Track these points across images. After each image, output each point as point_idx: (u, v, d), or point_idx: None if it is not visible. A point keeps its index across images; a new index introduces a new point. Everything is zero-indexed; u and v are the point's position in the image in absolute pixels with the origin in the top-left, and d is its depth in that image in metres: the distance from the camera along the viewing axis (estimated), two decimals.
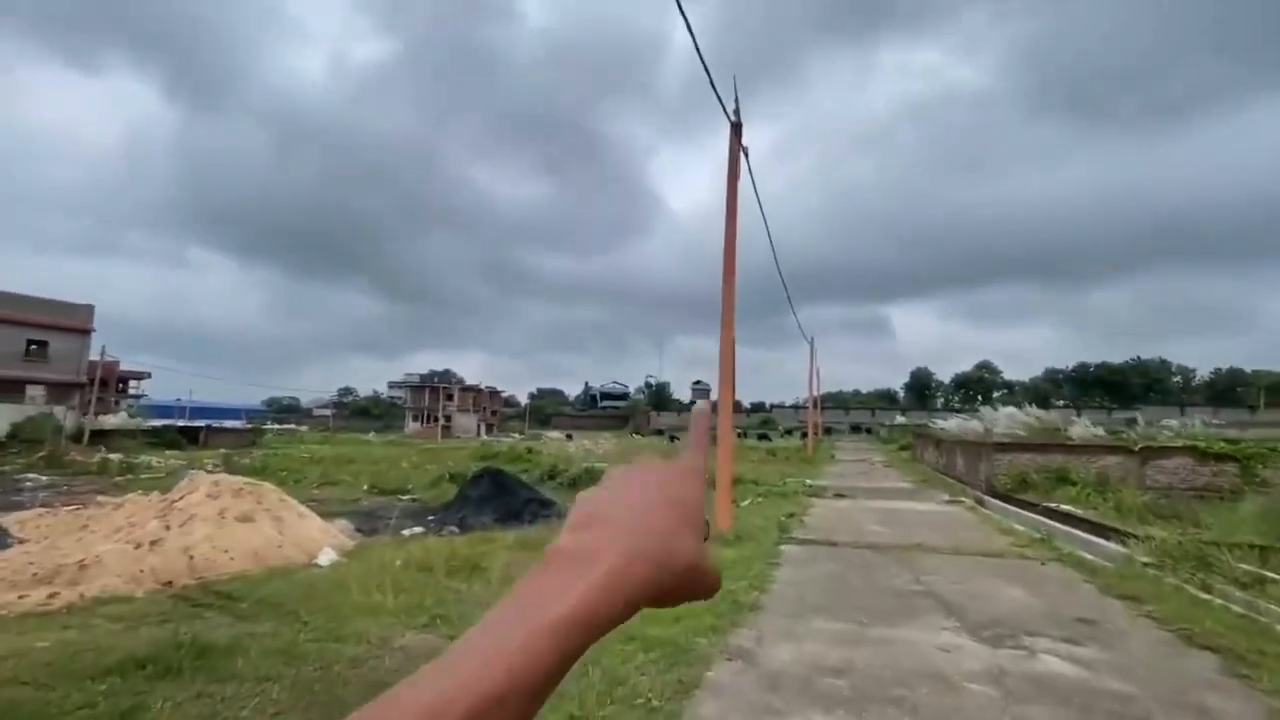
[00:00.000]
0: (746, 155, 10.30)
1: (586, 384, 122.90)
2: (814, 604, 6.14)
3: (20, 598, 6.04)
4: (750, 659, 4.65)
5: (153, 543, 7.31)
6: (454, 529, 10.28)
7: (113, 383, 52.52)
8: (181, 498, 8.23)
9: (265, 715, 3.58)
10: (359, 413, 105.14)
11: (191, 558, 7.21)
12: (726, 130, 10.06)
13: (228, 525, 7.86)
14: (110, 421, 37.71)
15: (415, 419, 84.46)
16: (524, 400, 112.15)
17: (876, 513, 12.27)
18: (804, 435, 43.13)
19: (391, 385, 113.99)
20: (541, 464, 21.06)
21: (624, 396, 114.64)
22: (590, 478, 17.22)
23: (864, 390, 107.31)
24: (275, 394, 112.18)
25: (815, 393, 41.36)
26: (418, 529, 10.73)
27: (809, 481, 17.32)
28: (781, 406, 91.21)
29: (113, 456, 21.87)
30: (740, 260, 9.80)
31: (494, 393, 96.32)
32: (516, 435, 68.92)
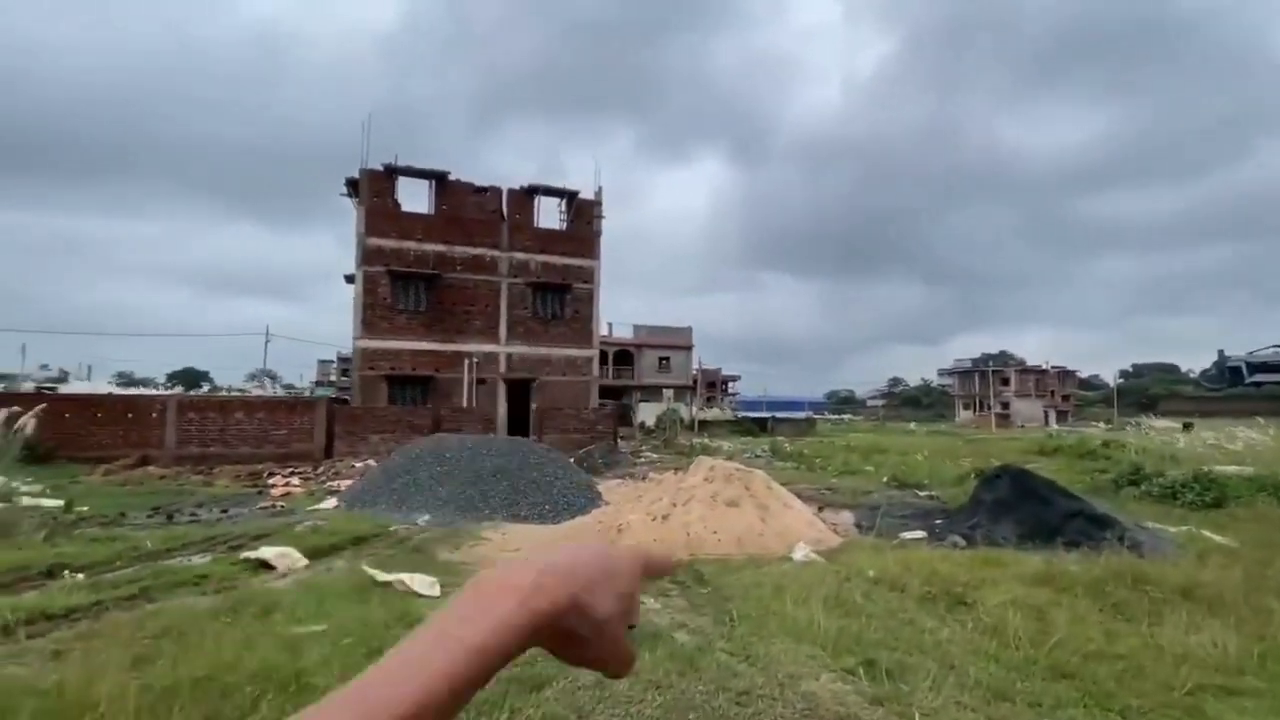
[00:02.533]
0: None
1: (1221, 353, 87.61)
2: None
3: None
4: None
5: (664, 516, 8.47)
6: (959, 540, 8.33)
7: (718, 384, 69.29)
8: (688, 480, 9.35)
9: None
10: (908, 402, 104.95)
11: (688, 534, 7.99)
12: None
13: (718, 508, 8.43)
14: (709, 414, 49.13)
15: (966, 407, 78.28)
16: (1112, 380, 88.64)
17: None
18: None
19: (941, 373, 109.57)
20: (1120, 464, 15.58)
21: None
22: (1199, 485, 11.54)
23: None
24: (834, 387, 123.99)
25: None
26: (919, 534, 9.22)
27: None
28: None
29: (697, 441, 27.98)
30: None
31: (1065, 373, 79.93)
32: (1101, 424, 54.68)
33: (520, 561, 0.42)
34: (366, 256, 21.84)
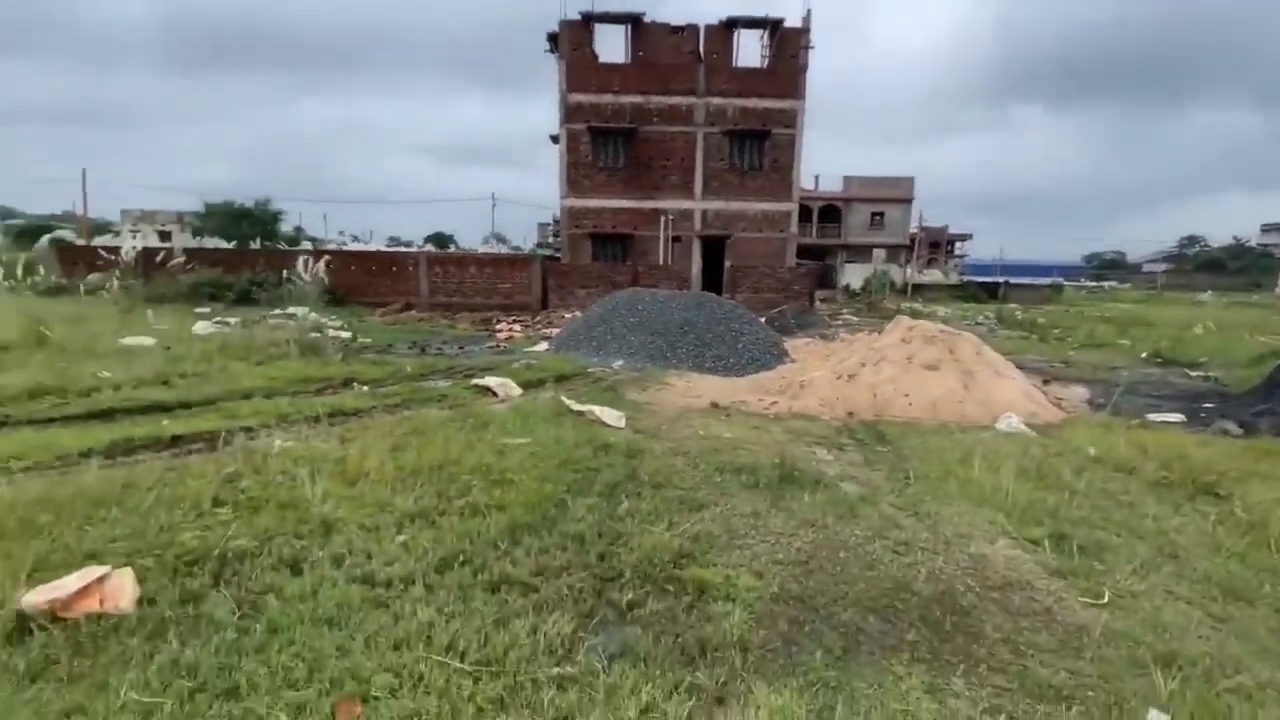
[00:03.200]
0: None
1: None
2: None
3: (758, 400, 7.98)
4: None
5: (850, 376, 8.14)
6: (1232, 427, 6.73)
7: (942, 244, 61.41)
8: (881, 340, 8.72)
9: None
10: (1207, 266, 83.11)
11: (875, 395, 7.63)
12: None
13: (913, 371, 7.83)
14: (926, 277, 44.23)
15: None
16: None
17: None
18: None
19: (1266, 228, 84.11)
20: None
21: None
22: None
23: None
24: (1098, 249, 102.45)
25: None
26: (1175, 417, 7.68)
27: None
28: None
29: (907, 305, 25.62)
30: None
31: None
32: None
33: None
34: (568, 114, 22.40)
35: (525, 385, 8.11)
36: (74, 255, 19.96)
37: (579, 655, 2.53)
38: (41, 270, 18.60)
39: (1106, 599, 3.05)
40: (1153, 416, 7.70)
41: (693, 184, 23.27)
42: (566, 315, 17.13)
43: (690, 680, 2.40)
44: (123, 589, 2.80)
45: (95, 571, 2.83)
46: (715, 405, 7.54)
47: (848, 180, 45.98)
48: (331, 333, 11.45)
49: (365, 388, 7.66)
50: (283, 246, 31.45)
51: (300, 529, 3.42)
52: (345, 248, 32.25)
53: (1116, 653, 2.63)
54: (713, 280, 22.57)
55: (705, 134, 23.06)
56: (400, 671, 2.34)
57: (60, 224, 42.31)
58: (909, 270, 41.08)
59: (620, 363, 10.03)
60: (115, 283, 16.59)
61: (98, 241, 25.10)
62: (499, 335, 14.07)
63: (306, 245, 25.32)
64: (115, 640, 2.47)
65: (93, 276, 17.27)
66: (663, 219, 22.95)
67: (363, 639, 2.53)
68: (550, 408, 6.54)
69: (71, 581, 2.74)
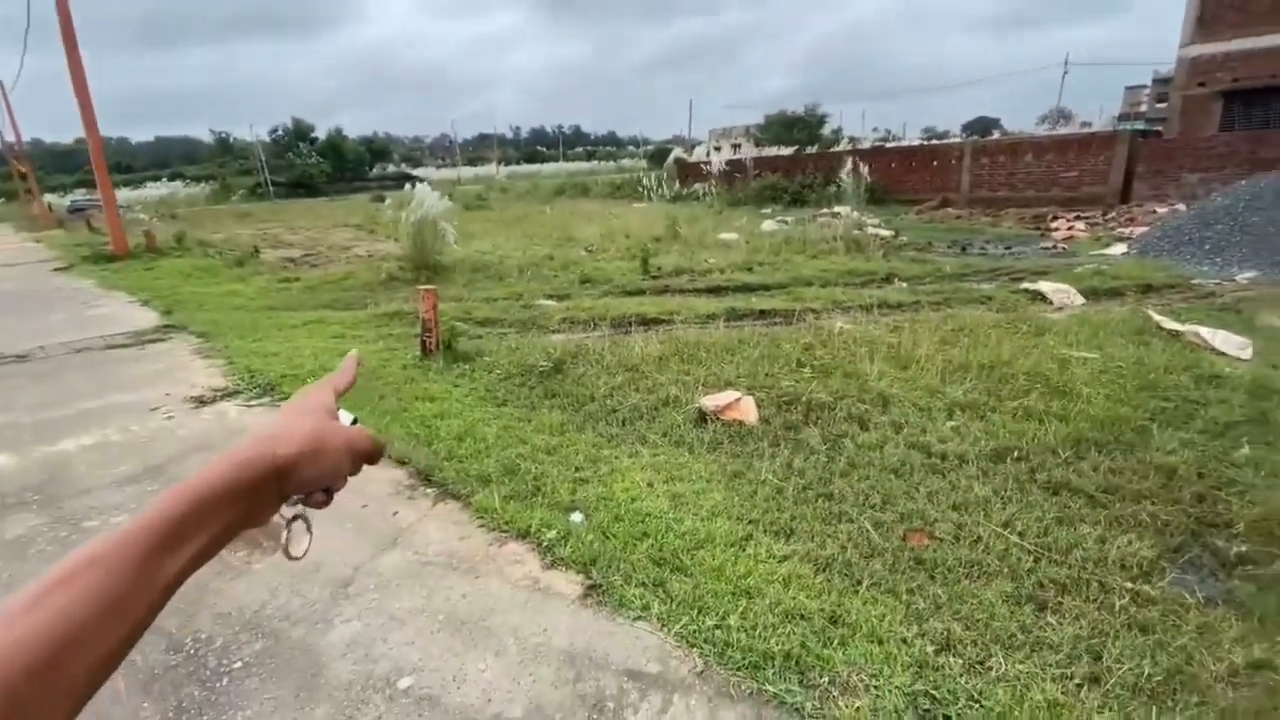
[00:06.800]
0: None
1: None
2: None
3: None
4: None
5: None
6: None
7: None
8: None
9: None
10: None
11: None
12: None
13: None
14: None
15: None
16: None
17: None
18: None
19: None
20: None
21: None
22: None
23: None
24: None
25: None
26: None
27: None
28: None
29: None
30: None
31: None
32: None
33: (263, 427, 0.50)
34: None
35: (1092, 294, 6.92)
36: (686, 170, 26.45)
37: (1161, 581, 2.34)
38: (667, 182, 25.45)
39: None
40: None
41: None
42: (1161, 210, 13.09)
43: None
44: (750, 409, 4.01)
45: (733, 394, 4.13)
46: None
47: None
48: (870, 230, 12.07)
49: (905, 284, 7.98)
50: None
51: (863, 395, 4.07)
52: (883, 144, 32.27)
53: None
54: None
55: None
56: (961, 526, 2.69)
57: (673, 145, 56.13)
58: None
59: (1253, 273, 7.31)
60: (709, 189, 21.42)
61: (695, 157, 32.41)
62: (1056, 234, 12.00)
63: (845, 145, 26.49)
64: (751, 440, 3.62)
65: (696, 185, 22.72)
66: None
67: (925, 493, 2.97)
68: (1129, 323, 5.48)
69: (723, 397, 4.08)
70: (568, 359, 4.95)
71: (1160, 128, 20.28)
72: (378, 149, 68.67)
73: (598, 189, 29.93)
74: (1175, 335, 5.16)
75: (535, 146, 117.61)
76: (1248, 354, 4.79)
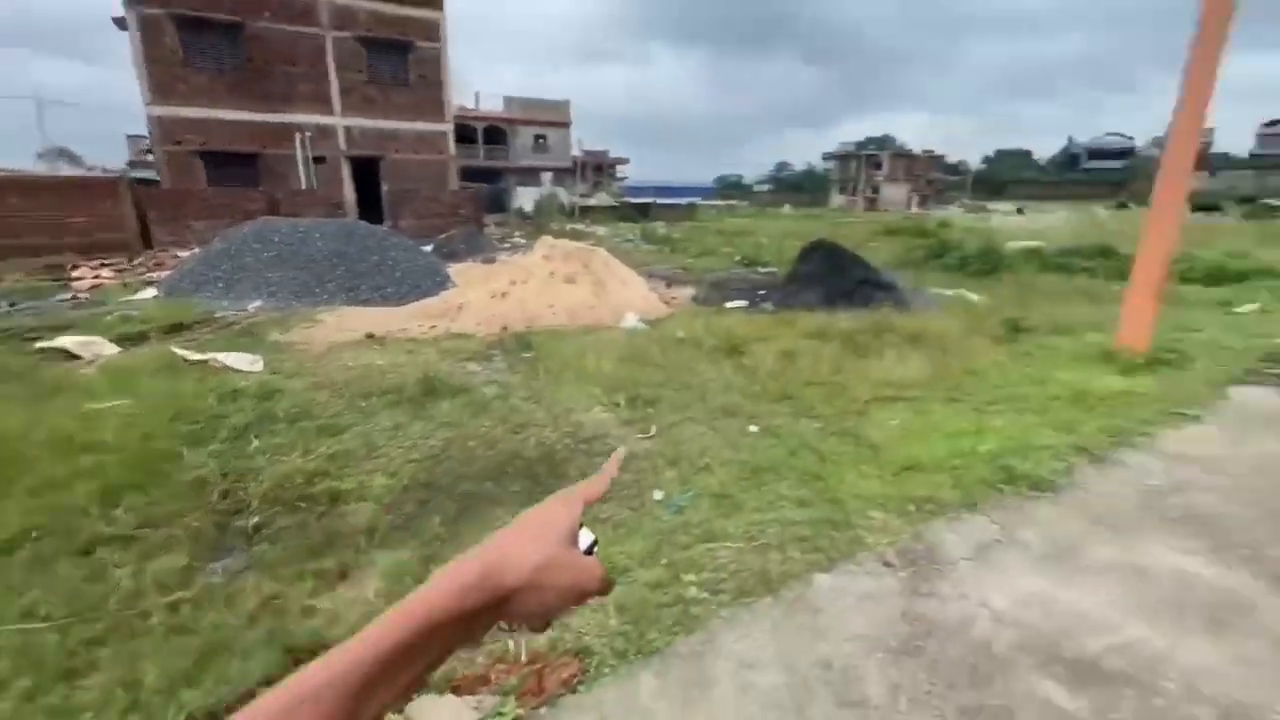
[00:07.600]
0: None
1: (1070, 139, 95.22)
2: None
3: (418, 326, 8.13)
4: None
5: (503, 294, 8.81)
6: (768, 306, 9.49)
7: (604, 168, 66.43)
8: (527, 259, 9.58)
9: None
10: (792, 187, 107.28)
11: (524, 309, 8.46)
12: None
13: (554, 285, 8.87)
14: (594, 200, 47.97)
15: (841, 191, 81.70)
16: (975, 165, 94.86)
17: None
18: None
19: (825, 157, 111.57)
20: (937, 240, 17.66)
21: (1124, 153, 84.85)
22: (982, 257, 13.59)
23: None
24: (726, 172, 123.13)
25: None
26: (741, 303, 10.33)
27: None
28: None
29: (572, 227, 27.80)
30: None
31: (933, 158, 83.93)
32: (953, 207, 59.81)
33: (492, 542, 0.46)
34: None
35: (124, 341, 6.78)
36: None
37: (195, 582, 2.62)
38: None
39: (653, 431, 4.30)
40: (729, 304, 10.22)
41: (329, 96, 20.52)
42: (183, 254, 14.09)
43: (317, 568, 2.73)
44: None
45: None
46: (370, 336, 7.46)
47: (509, 100, 45.92)
48: None
49: None
50: None
51: None
52: None
53: (647, 461, 3.81)
54: (370, 206, 20.83)
55: (335, 39, 20.29)
56: None
57: None
58: (576, 193, 43.96)
59: (258, 303, 8.97)
60: None
61: None
62: (79, 284, 10.97)
63: None
64: None
65: None
66: (298, 136, 19.96)
67: None
68: (156, 361, 5.71)
69: None
70: None
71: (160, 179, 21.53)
72: None
73: None
74: (201, 364, 5.76)
75: None
76: (259, 367, 5.89)
